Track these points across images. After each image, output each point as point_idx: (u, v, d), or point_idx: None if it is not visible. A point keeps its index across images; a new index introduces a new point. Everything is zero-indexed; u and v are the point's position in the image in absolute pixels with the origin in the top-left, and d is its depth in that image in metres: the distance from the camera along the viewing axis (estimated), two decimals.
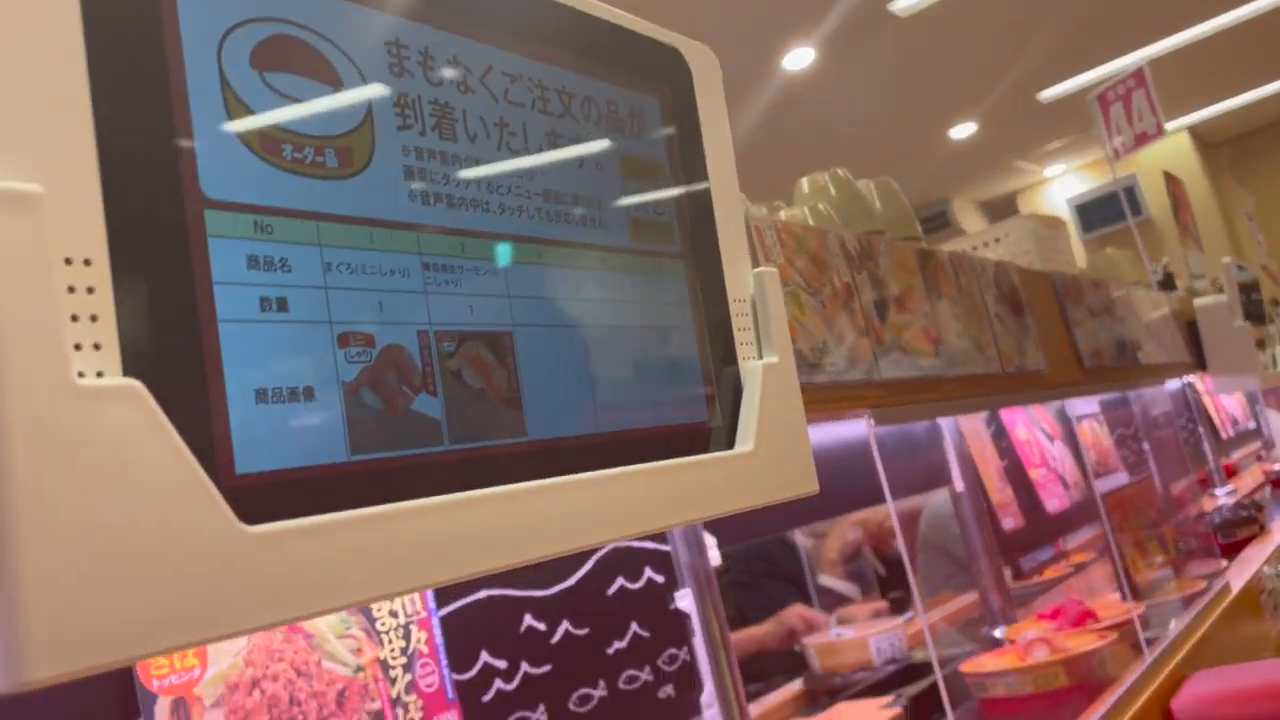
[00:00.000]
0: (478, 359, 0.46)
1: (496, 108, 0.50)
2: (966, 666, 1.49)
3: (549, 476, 0.47)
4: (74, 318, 0.32)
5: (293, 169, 0.41)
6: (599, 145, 0.56)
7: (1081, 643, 1.45)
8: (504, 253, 0.49)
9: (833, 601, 2.46)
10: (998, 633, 1.92)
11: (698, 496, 0.55)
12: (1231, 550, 2.42)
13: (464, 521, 0.42)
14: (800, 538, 3.03)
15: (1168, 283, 2.65)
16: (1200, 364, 2.19)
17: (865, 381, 0.95)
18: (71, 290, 0.32)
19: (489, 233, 0.48)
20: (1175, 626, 1.62)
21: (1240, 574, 2.00)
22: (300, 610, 0.35)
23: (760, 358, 0.62)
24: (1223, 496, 3.08)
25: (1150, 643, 1.47)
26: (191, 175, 0.37)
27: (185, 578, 0.32)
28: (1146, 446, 2.38)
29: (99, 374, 0.32)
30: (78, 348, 0.32)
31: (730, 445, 0.59)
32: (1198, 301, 2.15)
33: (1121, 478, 2.31)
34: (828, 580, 2.65)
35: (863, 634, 1.67)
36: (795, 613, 2.00)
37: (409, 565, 0.39)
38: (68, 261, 0.32)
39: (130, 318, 0.34)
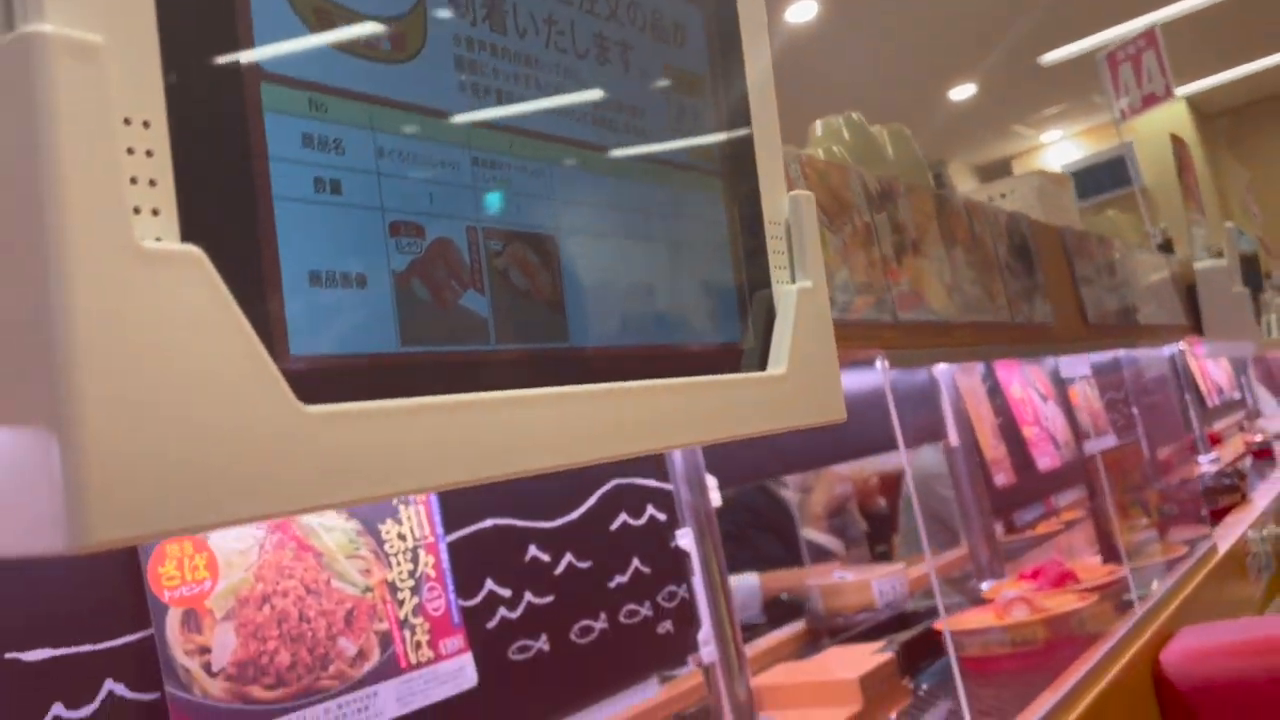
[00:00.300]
0: (524, 260, 0.45)
1: (545, 3, 0.48)
2: (940, 624, 1.46)
3: (588, 383, 0.46)
4: (133, 180, 0.31)
5: (347, 49, 0.39)
6: (644, 52, 0.54)
7: (1061, 603, 1.44)
8: (550, 154, 0.48)
9: (816, 556, 2.47)
10: (985, 586, 1.94)
11: (731, 415, 0.54)
12: (1214, 518, 2.45)
13: (510, 420, 0.41)
14: (786, 491, 3.05)
15: (1166, 247, 2.65)
16: (1197, 328, 2.20)
17: (881, 322, 0.94)
18: (130, 152, 0.31)
19: (536, 132, 0.47)
20: (1160, 586, 1.64)
21: (1225, 538, 2.02)
22: (355, 493, 0.35)
23: (794, 282, 0.61)
24: (1206, 464, 3.11)
25: (1132, 604, 1.48)
26: (249, 45, 0.36)
27: (244, 451, 0.31)
28: (1135, 411, 2.39)
29: (157, 240, 0.31)
30: (136, 211, 0.31)
31: (762, 368, 0.58)
32: (1198, 265, 2.15)
33: (1110, 440, 2.32)
34: (812, 534, 2.66)
35: (865, 577, 1.69)
36: None
37: (457, 458, 0.39)
38: (126, 122, 0.31)
39: (188, 186, 0.33)
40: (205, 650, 0.73)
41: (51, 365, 0.28)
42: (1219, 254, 2.17)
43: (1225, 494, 2.62)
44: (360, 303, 0.38)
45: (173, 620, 0.72)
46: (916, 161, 1.39)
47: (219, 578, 0.75)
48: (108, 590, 0.71)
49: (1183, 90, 7.15)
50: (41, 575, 0.68)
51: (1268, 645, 1.24)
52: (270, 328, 0.34)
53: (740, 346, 0.58)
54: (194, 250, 0.32)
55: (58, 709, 0.66)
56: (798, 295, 0.60)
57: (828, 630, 1.68)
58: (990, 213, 1.20)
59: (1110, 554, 1.81)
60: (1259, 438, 3.56)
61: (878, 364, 0.94)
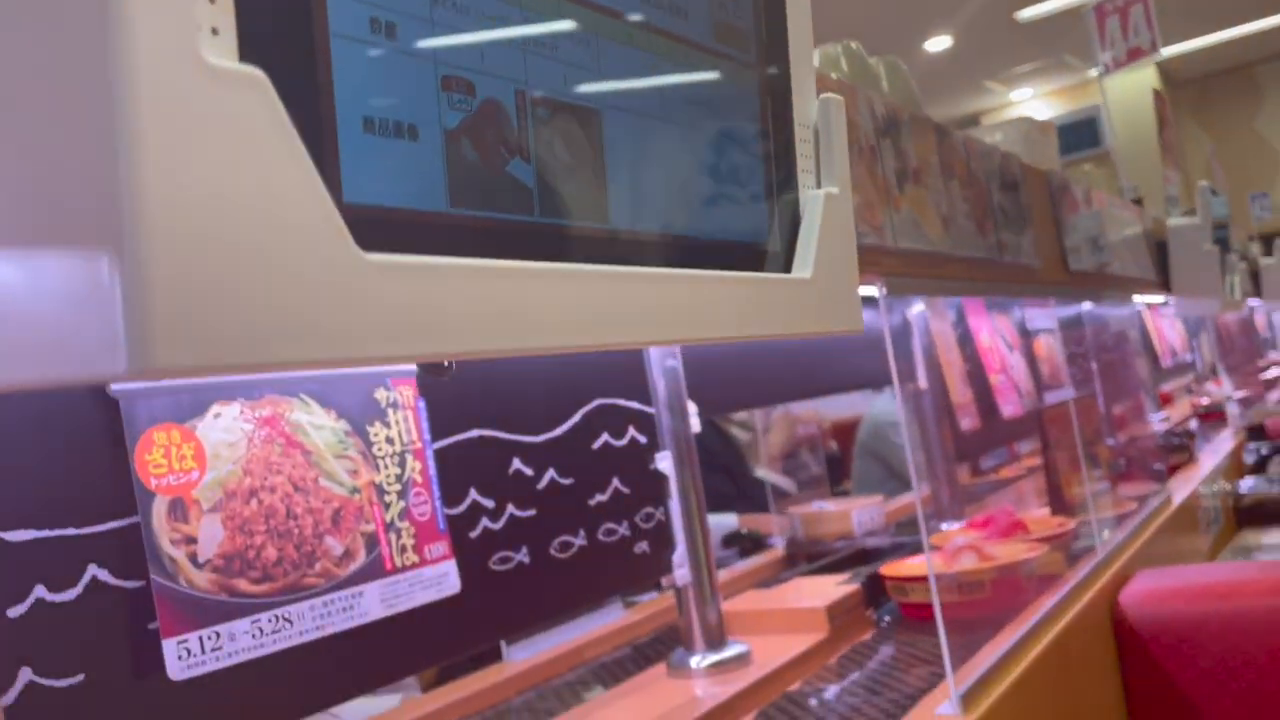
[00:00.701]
0: (569, 133, 0.43)
1: None
2: (887, 569, 1.42)
3: (626, 265, 0.45)
4: None
5: None
6: None
7: (1010, 553, 1.40)
8: (598, 25, 0.46)
9: (774, 496, 2.49)
10: (945, 526, 1.97)
11: (756, 314, 0.53)
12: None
13: (554, 294, 0.40)
14: (737, 430, 3.06)
15: (1137, 204, 2.68)
16: (1165, 285, 2.23)
17: (882, 248, 0.93)
18: None
19: (586, 0, 0.45)
20: (1115, 536, 1.68)
21: (1177, 493, 2.07)
22: (406, 348, 0.33)
23: (820, 187, 0.60)
24: (1156, 423, 3.18)
25: (1081, 556, 1.48)
26: None
27: (303, 291, 0.30)
28: (1094, 366, 2.43)
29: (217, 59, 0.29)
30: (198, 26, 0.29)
31: (786, 270, 0.57)
32: (1171, 221, 2.18)
33: (1069, 393, 2.36)
34: (765, 474, 2.67)
35: (845, 508, 1.75)
36: None
37: (502, 324, 0.37)
38: None
39: (247, 9, 0.31)
40: (191, 541, 0.71)
41: (116, 184, 0.26)
42: (1190, 212, 2.20)
43: (1175, 453, 2.68)
44: (412, 157, 0.36)
45: (159, 509, 0.70)
46: (911, 95, 1.38)
47: (206, 469, 0.73)
48: (93, 476, 0.69)
49: (1136, 67, 7.18)
50: (25, 457, 0.66)
51: (1225, 589, 1.27)
52: (325, 170, 0.32)
53: (766, 248, 0.57)
54: (257, 72, 0.30)
55: (40, 591, 0.64)
56: (824, 200, 0.59)
57: (805, 555, 1.73)
58: (986, 150, 1.19)
59: (1061, 506, 1.84)
60: (1206, 400, 3.65)
61: (875, 291, 0.94)
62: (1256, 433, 2.46)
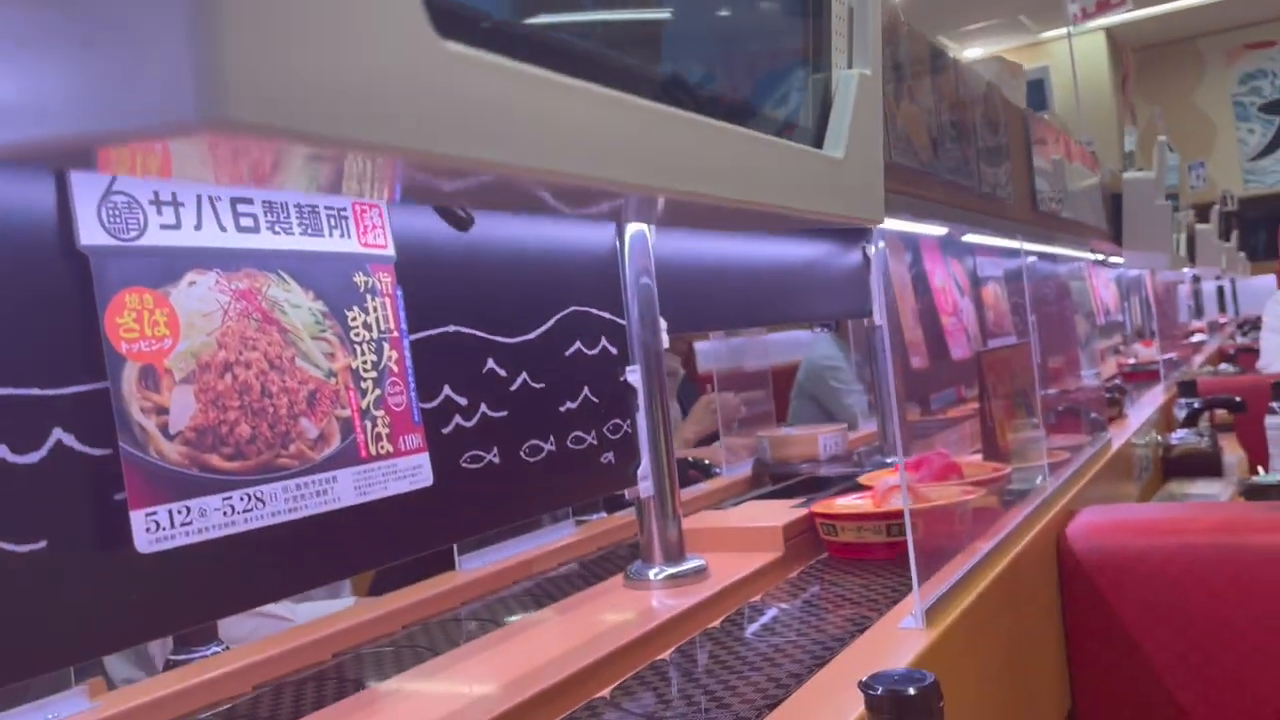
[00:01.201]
0: None
1: None
2: (817, 507, 1.37)
3: (674, 107, 0.43)
4: None
5: None
6: None
7: (944, 495, 1.34)
8: None
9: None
10: (890, 460, 2.00)
11: (787, 185, 0.51)
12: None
13: (618, 122, 0.38)
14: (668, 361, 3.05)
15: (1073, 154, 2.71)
16: (1116, 237, 2.27)
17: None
18: None
19: None
20: (1061, 474, 1.71)
21: (1114, 441, 2.12)
22: (477, 149, 0.31)
23: (852, 68, 0.58)
24: (1088, 378, 3.26)
25: (1016, 501, 1.48)
26: None
27: (379, 65, 0.27)
28: (1034, 318, 2.47)
29: None
30: None
31: (819, 147, 0.56)
32: (1127, 175, 2.21)
33: (1011, 340, 2.40)
34: (684, 452, 2.61)
35: (812, 432, 1.79)
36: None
37: (566, 144, 0.35)
38: None
39: None
40: (163, 411, 0.68)
41: None
42: (1143, 169, 2.23)
43: (1107, 406, 2.75)
44: None
45: (129, 374, 0.66)
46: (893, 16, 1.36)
47: (179, 338, 0.69)
48: (60, 336, 0.64)
49: (1104, 20, 7.26)
50: None
51: (1169, 525, 1.31)
52: None
53: (798, 122, 0.54)
54: None
55: (2, 451, 0.60)
56: (857, 81, 0.57)
57: (770, 476, 1.76)
58: (975, 76, 1.18)
59: (997, 451, 1.86)
60: (1132, 360, 3.75)
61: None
62: (1188, 388, 2.53)
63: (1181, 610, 1.25)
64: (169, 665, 1.15)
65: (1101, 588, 1.30)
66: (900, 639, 0.93)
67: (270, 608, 1.40)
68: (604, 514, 1.77)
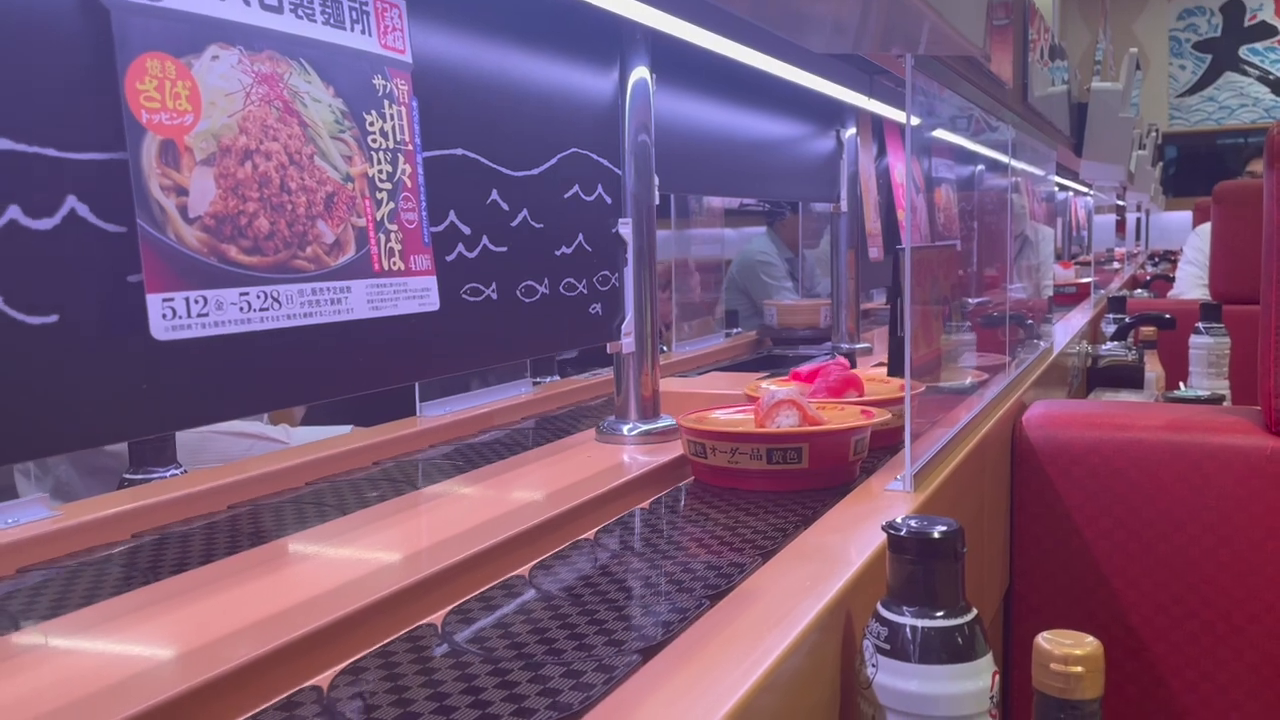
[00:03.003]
0: None
1: None
2: (686, 420, 1.07)
3: None
4: None
5: None
6: None
7: (840, 417, 1.08)
8: None
9: None
10: (845, 346, 2.03)
11: None
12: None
13: None
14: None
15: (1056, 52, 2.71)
16: (1077, 147, 2.29)
17: None
18: None
19: None
20: (1005, 378, 1.75)
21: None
22: None
23: None
24: (1025, 290, 3.34)
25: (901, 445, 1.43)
26: None
27: None
28: (976, 225, 2.51)
29: None
30: None
31: None
32: (1095, 84, 2.22)
33: (955, 244, 2.43)
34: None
35: (815, 304, 1.88)
36: None
37: None
38: None
39: None
40: (183, 192, 0.63)
41: None
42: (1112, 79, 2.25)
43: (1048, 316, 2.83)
44: None
45: (149, 147, 0.61)
46: None
47: (201, 115, 0.64)
48: (78, 94, 0.59)
49: None
50: (2, 59, 0.55)
51: (1123, 420, 1.35)
52: None
53: None
54: None
55: (14, 212, 0.55)
56: None
57: (774, 339, 1.85)
58: None
59: (899, 367, 1.88)
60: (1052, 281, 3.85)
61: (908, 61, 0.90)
62: (1118, 304, 2.61)
63: (1125, 501, 1.30)
64: (123, 484, 1.11)
65: (1051, 475, 1.35)
66: (889, 500, 0.94)
67: (267, 430, 1.36)
68: (557, 377, 1.76)
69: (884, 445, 1.14)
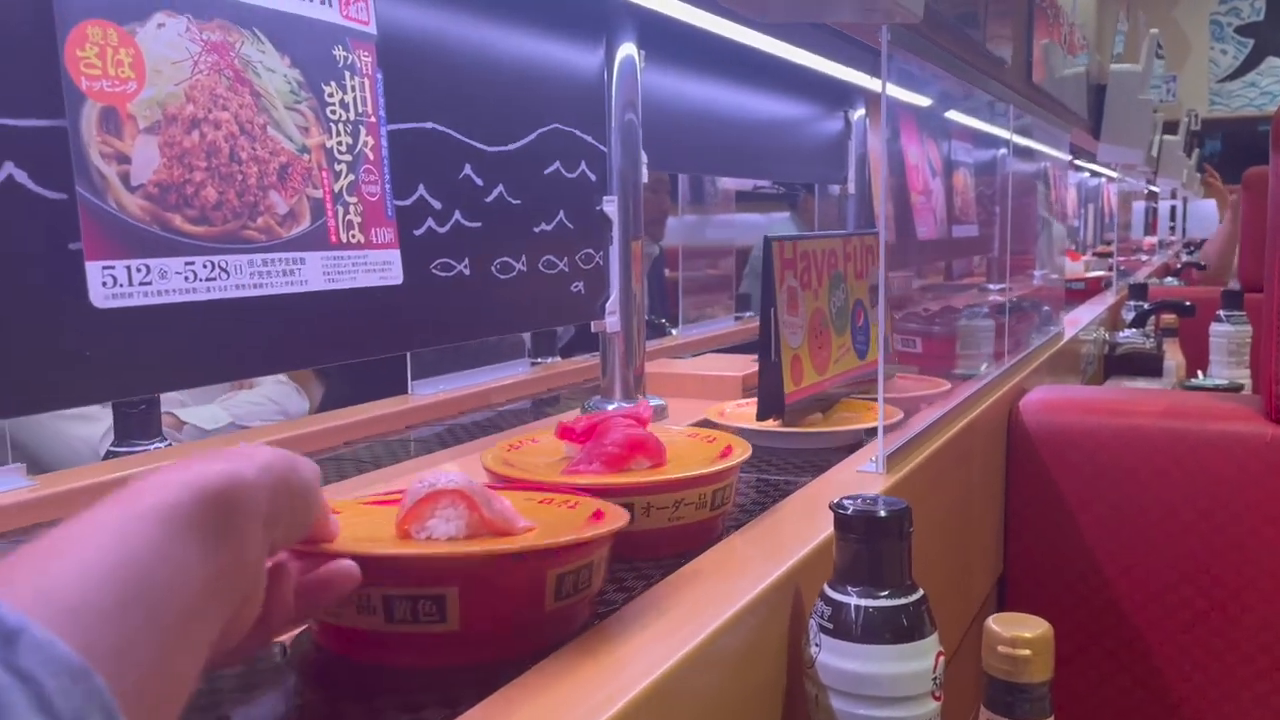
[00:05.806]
0: None
1: None
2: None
3: None
4: None
5: None
6: None
7: (554, 521, 0.59)
8: None
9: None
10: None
11: None
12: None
13: None
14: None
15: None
16: (1095, 130, 2.24)
17: None
18: None
19: None
20: (1003, 364, 1.72)
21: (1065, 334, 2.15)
22: None
23: None
24: (1037, 279, 3.28)
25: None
26: None
27: None
28: (997, 210, 2.46)
29: None
30: None
31: None
32: (1114, 67, 2.17)
33: (973, 230, 2.40)
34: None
35: None
36: None
37: None
38: None
39: None
40: (125, 160, 0.63)
41: None
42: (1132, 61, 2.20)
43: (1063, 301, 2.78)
44: None
45: (89, 115, 0.61)
46: None
47: (145, 83, 0.64)
48: (14, 61, 0.59)
49: None
50: None
51: (1120, 406, 1.33)
52: None
53: None
54: None
55: None
56: None
57: None
58: None
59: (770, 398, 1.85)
60: (1055, 276, 3.78)
61: (883, 34, 0.88)
62: (1139, 291, 2.56)
63: (1120, 487, 1.28)
64: (108, 456, 1.12)
65: (1046, 460, 1.33)
66: (859, 480, 0.93)
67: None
68: (558, 358, 1.76)
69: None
